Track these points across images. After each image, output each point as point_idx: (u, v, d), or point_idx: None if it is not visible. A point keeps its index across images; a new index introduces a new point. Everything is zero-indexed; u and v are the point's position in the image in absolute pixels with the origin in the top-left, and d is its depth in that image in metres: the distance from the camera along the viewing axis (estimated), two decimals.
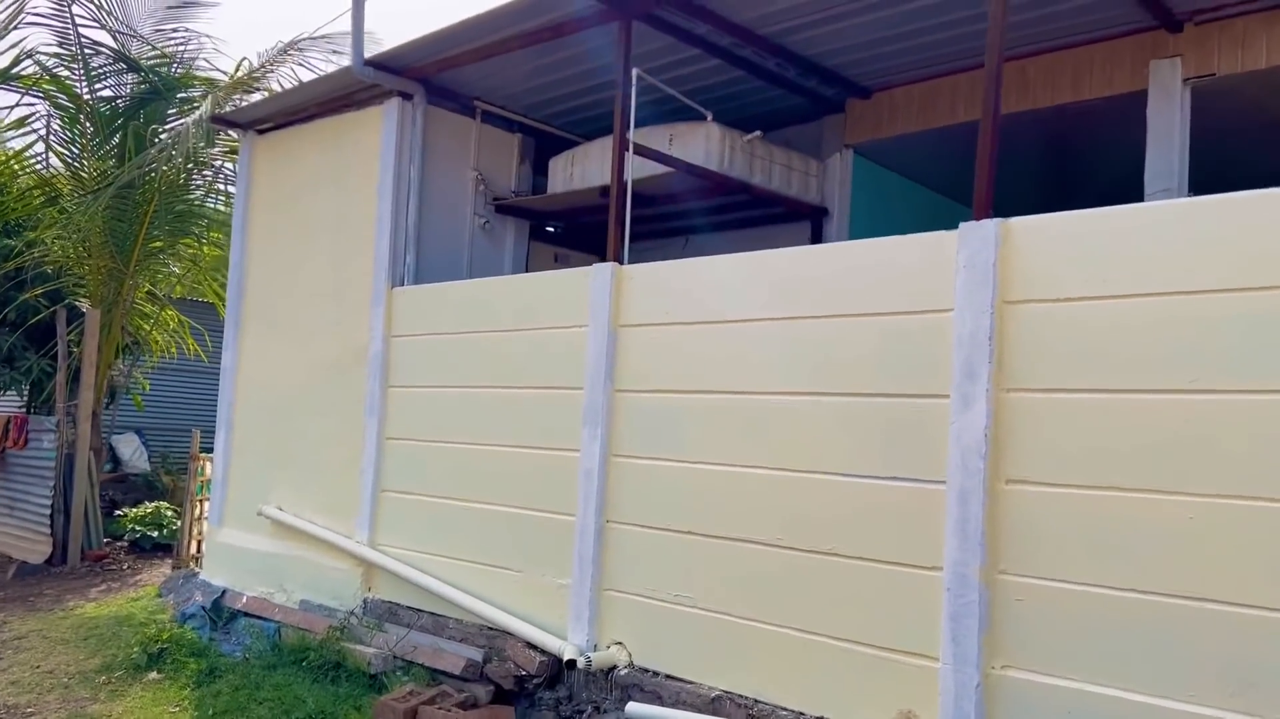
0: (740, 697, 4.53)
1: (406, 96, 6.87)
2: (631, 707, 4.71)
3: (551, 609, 5.44)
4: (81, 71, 10.31)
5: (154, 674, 6.01)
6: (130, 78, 10.92)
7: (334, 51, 11.06)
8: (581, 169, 6.96)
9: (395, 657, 5.71)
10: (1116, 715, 3.45)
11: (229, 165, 10.77)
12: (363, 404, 6.81)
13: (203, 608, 6.96)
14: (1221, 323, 3.33)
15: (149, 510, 10.97)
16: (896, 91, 6.78)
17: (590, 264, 8.26)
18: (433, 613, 6.13)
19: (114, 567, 9.92)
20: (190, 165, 10.40)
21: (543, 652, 5.29)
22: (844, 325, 4.34)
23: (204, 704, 5.41)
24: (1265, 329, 3.23)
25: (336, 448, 7.03)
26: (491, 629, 5.72)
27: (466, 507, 6.02)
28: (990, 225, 3.89)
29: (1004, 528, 3.78)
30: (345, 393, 7.01)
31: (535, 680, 5.26)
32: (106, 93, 10.88)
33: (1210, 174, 5.51)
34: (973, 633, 3.78)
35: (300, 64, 10.21)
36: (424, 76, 6.83)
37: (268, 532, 7.49)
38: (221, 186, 11.14)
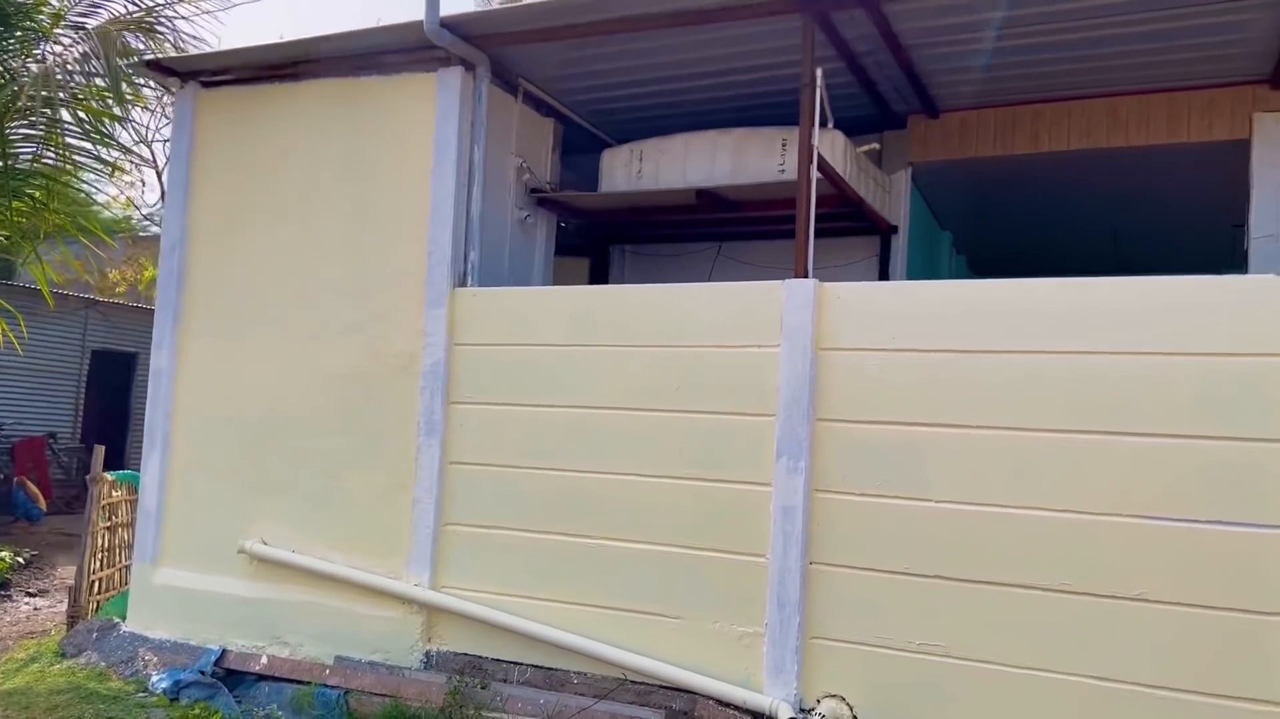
0: None
1: (469, 67, 5.93)
2: None
3: (731, 660, 4.90)
4: None
5: None
6: None
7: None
8: (655, 166, 6.37)
9: None
10: None
11: (81, 115, 8.78)
12: (413, 422, 5.80)
13: (200, 673, 5.60)
14: None
15: None
16: (969, 114, 6.80)
17: (583, 268, 7.79)
18: (538, 666, 5.34)
19: None
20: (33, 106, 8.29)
21: (744, 710, 4.74)
22: (1150, 363, 4.23)
23: None
24: None
25: (366, 473, 5.95)
26: (641, 684, 5.05)
27: (589, 544, 5.29)
28: None
29: None
30: (377, 409, 5.96)
31: None
32: None
33: None
34: None
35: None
36: (493, 47, 5.93)
37: (245, 572, 6.20)
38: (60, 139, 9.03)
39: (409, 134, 6.03)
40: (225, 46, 7.13)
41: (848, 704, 4.64)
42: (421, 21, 5.66)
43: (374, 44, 6.04)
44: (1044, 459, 4.38)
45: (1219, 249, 7.92)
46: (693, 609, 5.02)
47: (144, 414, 6.74)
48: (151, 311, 13.34)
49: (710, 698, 4.83)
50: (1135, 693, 4.13)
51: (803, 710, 4.66)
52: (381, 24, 5.93)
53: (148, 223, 16.84)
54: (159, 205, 14.10)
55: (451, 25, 5.69)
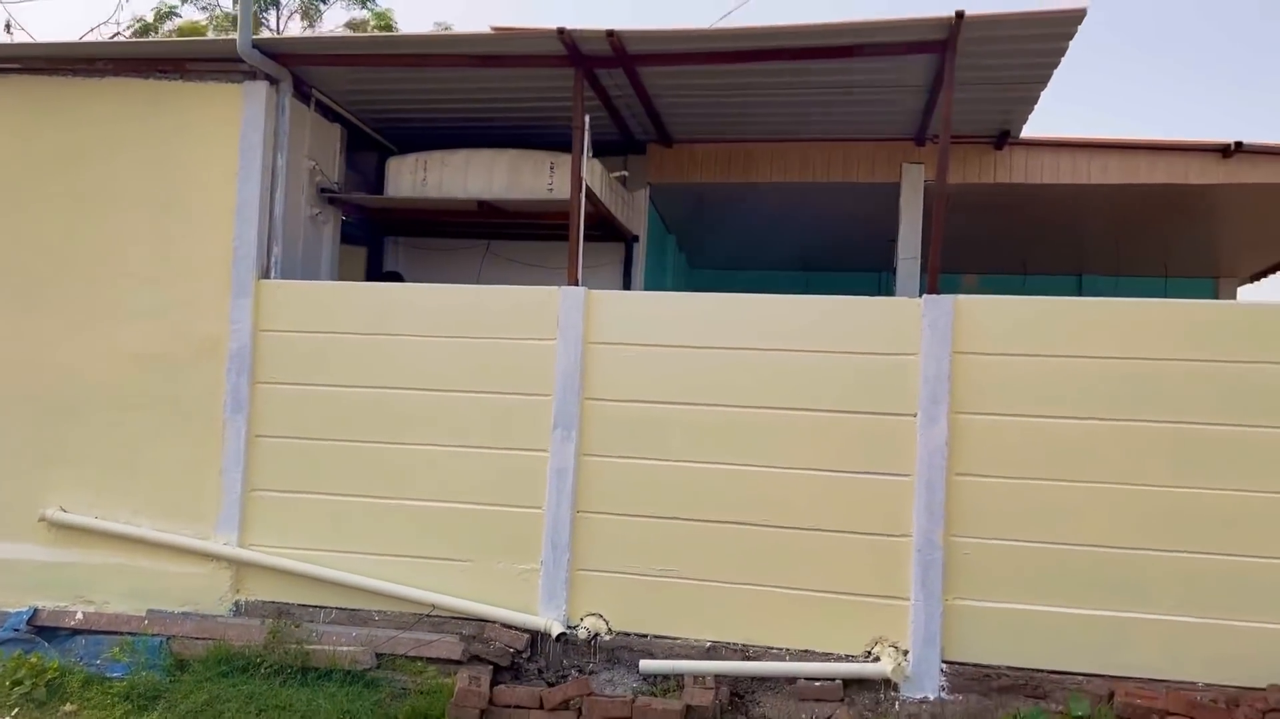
0: (732, 643, 5.82)
1: (272, 81, 6.63)
2: (647, 664, 5.71)
3: (513, 592, 6.08)
4: None
5: (68, 707, 5.29)
6: None
7: None
8: (439, 177, 7.34)
9: (378, 653, 5.83)
10: (1034, 622, 5.51)
11: None
12: (220, 400, 6.48)
13: (15, 629, 6.01)
14: (1087, 375, 5.53)
15: None
16: (696, 146, 8.29)
17: (360, 256, 8.66)
18: (342, 608, 6.27)
19: None
20: None
21: (524, 630, 5.95)
22: (824, 359, 5.83)
23: None
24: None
25: (172, 445, 6.55)
26: (436, 617, 6.13)
27: (390, 504, 6.26)
28: (948, 299, 5.70)
29: (953, 505, 5.64)
30: (183, 387, 6.56)
31: (524, 655, 5.92)
32: None
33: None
34: (937, 578, 5.59)
35: None
36: (295, 65, 6.67)
37: (45, 539, 6.62)
38: None
39: (214, 138, 6.62)
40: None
41: (605, 620, 5.97)
42: (234, 39, 6.32)
43: (184, 53, 6.58)
44: (752, 428, 5.88)
45: (880, 258, 9.98)
46: (482, 553, 6.15)
47: None
48: None
49: (497, 623, 6.00)
50: (815, 598, 5.75)
51: (570, 627, 5.94)
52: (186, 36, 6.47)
53: None
54: None
55: (262, 46, 6.39)
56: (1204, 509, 5.39)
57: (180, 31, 18.39)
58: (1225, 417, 5.39)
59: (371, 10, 18.91)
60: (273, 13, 17.77)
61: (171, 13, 18.03)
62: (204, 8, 19.55)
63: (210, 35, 19.12)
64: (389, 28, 18.71)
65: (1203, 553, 5.39)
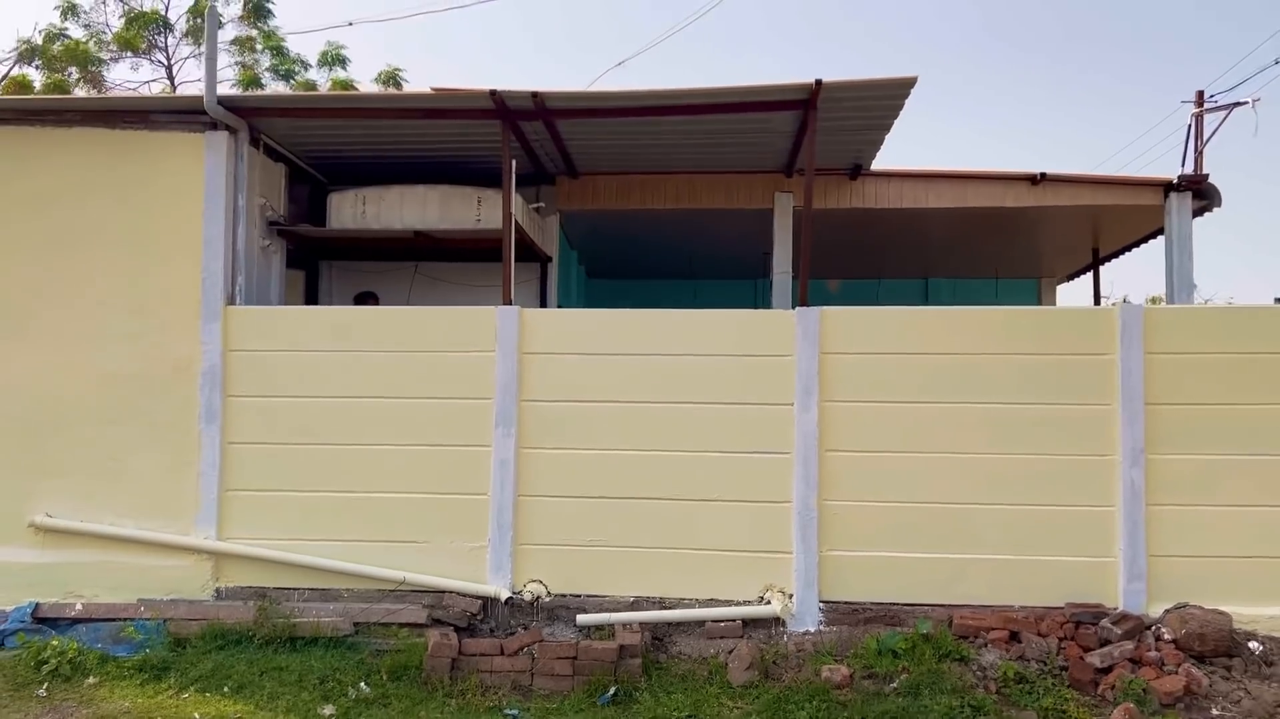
0: (651, 597, 7.08)
1: (232, 131, 7.55)
2: (583, 617, 6.91)
3: (465, 567, 7.19)
4: None
5: (91, 679, 6.15)
6: None
7: None
8: (377, 210, 8.37)
9: (355, 622, 6.84)
10: (890, 566, 6.95)
11: None
12: (194, 412, 7.37)
13: (21, 621, 6.79)
14: (925, 368, 7.00)
15: None
16: (599, 177, 9.53)
17: (299, 279, 9.60)
18: (314, 589, 7.26)
19: None
20: None
21: (477, 597, 7.07)
22: (719, 361, 7.14)
23: (211, 686, 6.02)
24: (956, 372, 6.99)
25: (151, 454, 7.40)
26: (398, 591, 7.19)
27: (353, 497, 7.28)
28: (816, 310, 7.09)
29: (825, 475, 7.03)
30: (159, 402, 7.41)
31: (478, 618, 7.04)
32: None
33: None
34: (813, 535, 6.98)
35: None
36: (252, 118, 7.62)
37: (32, 542, 7.39)
38: None
39: (178, 181, 7.49)
40: None
41: (544, 584, 7.15)
42: (200, 96, 7.24)
43: (149, 106, 7.44)
44: (661, 420, 7.15)
45: (757, 268, 11.42)
46: (437, 535, 7.24)
47: None
48: None
49: (453, 592, 7.11)
50: (717, 555, 7.06)
51: (515, 592, 7.10)
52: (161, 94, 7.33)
53: None
54: None
55: (226, 102, 7.32)
56: (1013, 470, 6.93)
57: (66, 50, 18.55)
58: (1026, 397, 6.94)
59: (260, 30, 19.43)
60: (163, 35, 18.17)
61: (61, 34, 18.20)
62: (86, 25, 19.70)
63: (93, 54, 19.35)
64: (279, 48, 19.28)
65: (1014, 504, 6.93)
